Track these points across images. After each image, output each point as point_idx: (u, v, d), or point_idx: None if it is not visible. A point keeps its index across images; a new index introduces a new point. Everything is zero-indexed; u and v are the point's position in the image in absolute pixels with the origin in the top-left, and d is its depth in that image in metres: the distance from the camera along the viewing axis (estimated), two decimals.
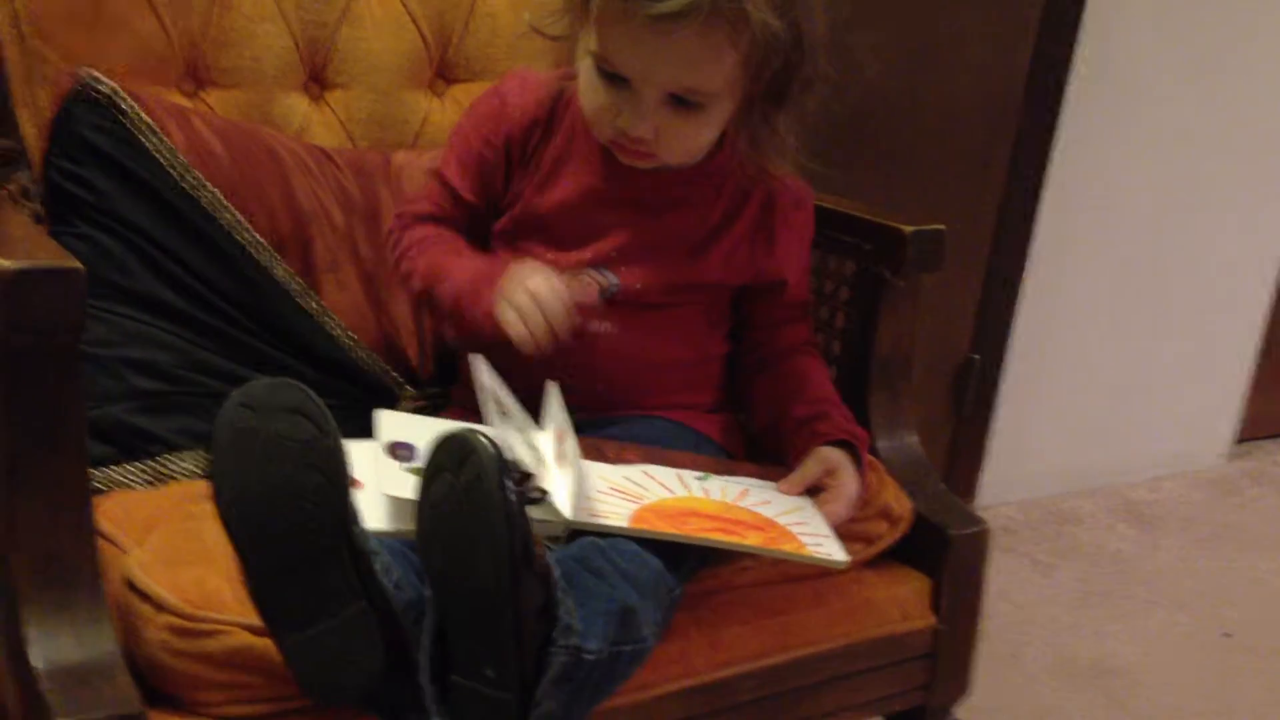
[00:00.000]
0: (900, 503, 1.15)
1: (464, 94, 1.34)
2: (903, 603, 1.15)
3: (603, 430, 1.06)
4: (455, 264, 1.07)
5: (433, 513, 0.81)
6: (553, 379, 1.01)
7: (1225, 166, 2.35)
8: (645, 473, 1.01)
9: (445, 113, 1.34)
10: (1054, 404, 2.31)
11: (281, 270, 1.15)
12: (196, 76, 1.21)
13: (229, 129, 1.17)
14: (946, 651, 1.18)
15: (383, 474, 0.93)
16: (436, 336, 1.24)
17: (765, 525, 0.99)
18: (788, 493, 1.06)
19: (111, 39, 1.14)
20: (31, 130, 1.11)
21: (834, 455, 1.06)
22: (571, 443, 0.95)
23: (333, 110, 1.28)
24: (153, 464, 1.03)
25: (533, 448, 0.94)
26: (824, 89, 1.03)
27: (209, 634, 0.84)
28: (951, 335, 2.11)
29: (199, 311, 1.10)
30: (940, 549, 1.16)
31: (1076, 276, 2.23)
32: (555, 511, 0.89)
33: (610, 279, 1.08)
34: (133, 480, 1.02)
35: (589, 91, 1.03)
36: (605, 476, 0.99)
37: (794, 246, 1.15)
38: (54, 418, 0.82)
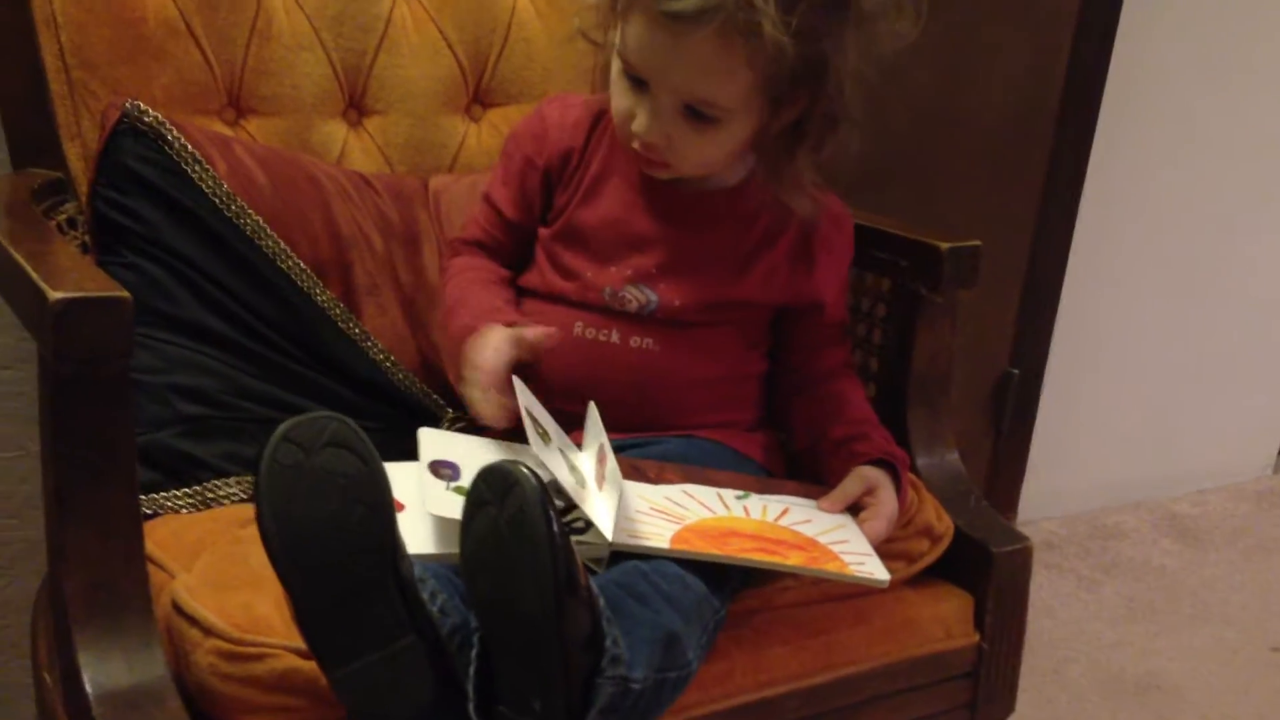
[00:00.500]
0: (941, 520, 1.15)
1: (500, 118, 1.36)
2: (945, 620, 1.15)
3: (643, 450, 1.07)
4: (459, 311, 1.10)
5: (477, 547, 0.81)
6: (593, 399, 1.01)
7: (1265, 174, 2.32)
8: (685, 492, 1.02)
9: (482, 137, 1.35)
10: (1095, 417, 2.29)
11: (323, 296, 1.16)
12: (238, 105, 1.23)
13: (270, 156, 1.19)
14: (990, 669, 1.17)
15: (427, 494, 0.94)
16: None
17: (807, 544, 0.99)
18: (828, 511, 1.06)
19: (155, 70, 1.16)
20: (78, 162, 1.14)
21: (874, 474, 1.07)
22: (612, 463, 0.95)
23: (371, 136, 1.30)
24: (199, 489, 1.04)
25: (574, 469, 0.95)
26: (850, 129, 1.03)
27: (256, 658, 0.84)
28: (990, 350, 2.10)
29: (243, 338, 1.12)
30: (983, 566, 1.15)
31: (1115, 288, 2.22)
32: (597, 534, 0.90)
33: (650, 296, 1.09)
34: (179, 505, 1.03)
35: (615, 94, 1.05)
36: (646, 497, 0.99)
37: (833, 269, 1.15)
38: (104, 446, 0.83)
